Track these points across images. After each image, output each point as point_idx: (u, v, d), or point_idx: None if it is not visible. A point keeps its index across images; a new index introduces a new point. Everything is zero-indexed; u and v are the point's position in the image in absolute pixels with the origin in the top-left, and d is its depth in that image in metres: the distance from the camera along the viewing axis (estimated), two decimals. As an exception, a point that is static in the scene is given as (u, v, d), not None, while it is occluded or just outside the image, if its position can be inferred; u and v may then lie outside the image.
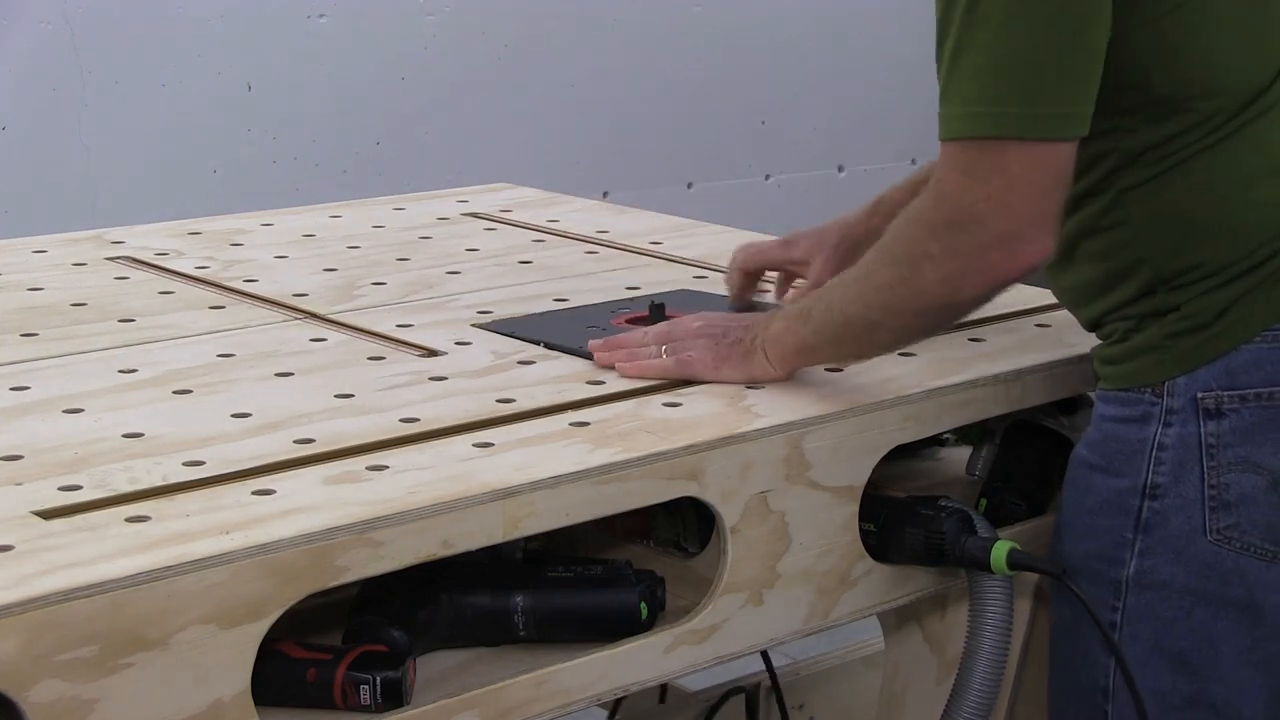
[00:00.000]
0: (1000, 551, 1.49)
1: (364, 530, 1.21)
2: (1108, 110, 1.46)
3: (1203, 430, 1.49)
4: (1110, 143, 1.49)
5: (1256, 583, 1.50)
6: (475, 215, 2.28)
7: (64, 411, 1.44)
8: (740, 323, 1.57)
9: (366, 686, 1.27)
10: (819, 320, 1.51)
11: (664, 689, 2.15)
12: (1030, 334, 1.73)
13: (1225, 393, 1.48)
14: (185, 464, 1.31)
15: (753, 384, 1.53)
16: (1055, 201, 1.42)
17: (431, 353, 1.63)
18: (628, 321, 1.73)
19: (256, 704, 1.18)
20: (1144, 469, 1.51)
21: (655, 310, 1.72)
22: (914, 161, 4.65)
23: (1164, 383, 1.50)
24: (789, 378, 1.54)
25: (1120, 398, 1.53)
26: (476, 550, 1.28)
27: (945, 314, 1.50)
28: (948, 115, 1.44)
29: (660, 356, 1.55)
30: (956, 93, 1.44)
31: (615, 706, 2.16)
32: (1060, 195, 1.43)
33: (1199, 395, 1.49)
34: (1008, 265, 1.42)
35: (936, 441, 1.79)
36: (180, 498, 1.25)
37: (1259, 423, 1.48)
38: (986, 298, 1.48)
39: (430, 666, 1.35)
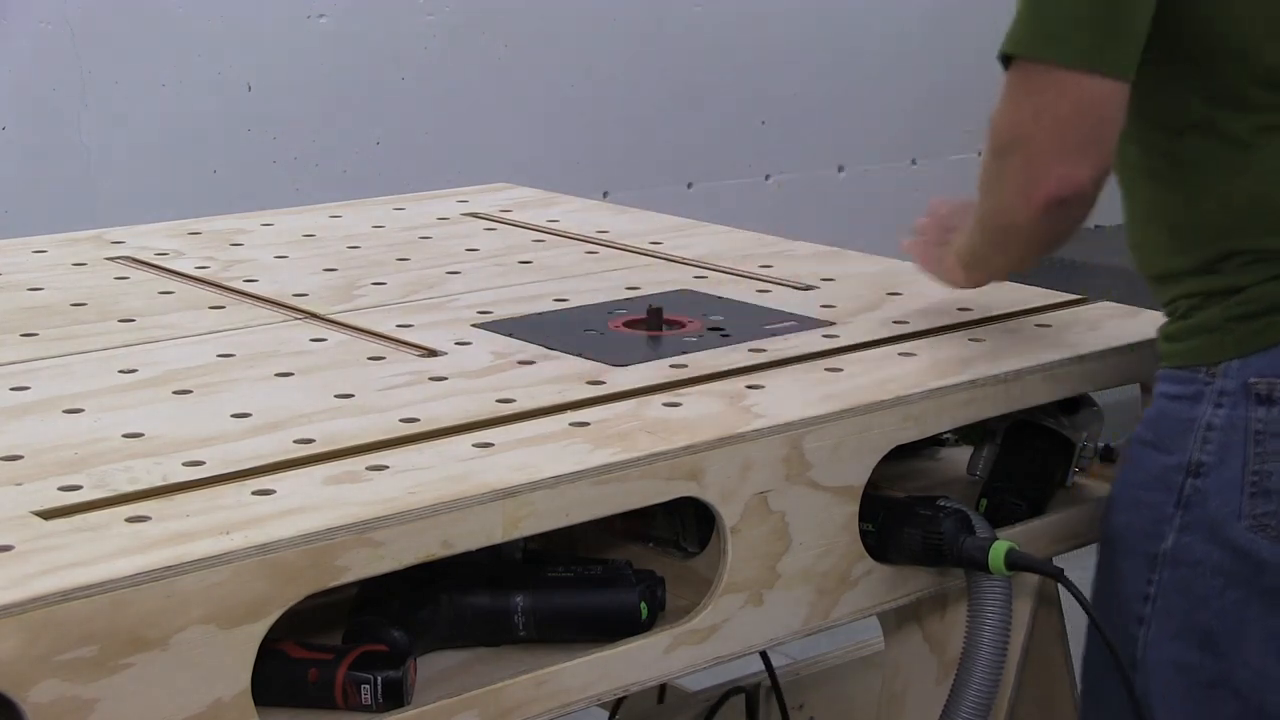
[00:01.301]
0: (999, 552, 1.49)
1: (364, 530, 1.21)
2: (1209, 75, 1.50)
3: (1252, 415, 1.51)
4: (1208, 109, 1.51)
5: None
6: (475, 215, 2.28)
7: (64, 411, 1.44)
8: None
9: (367, 686, 1.27)
10: (961, 244, 1.67)
11: (663, 689, 2.15)
12: (1030, 334, 1.73)
13: (1278, 380, 1.49)
14: (185, 464, 1.31)
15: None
16: (1093, 132, 1.45)
17: (431, 353, 1.63)
18: (625, 324, 1.73)
19: (256, 704, 1.18)
20: (1190, 447, 1.53)
21: (653, 313, 1.73)
22: (914, 161, 4.66)
23: (1219, 364, 1.52)
24: (970, 286, 1.72)
25: (1177, 376, 1.56)
26: (476, 550, 1.28)
27: (1020, 235, 1.55)
28: (1010, 30, 1.49)
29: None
30: (1017, 17, 1.49)
31: (616, 706, 2.16)
32: (1101, 130, 1.46)
33: (1251, 380, 1.50)
34: (1050, 185, 1.47)
35: (936, 441, 1.79)
36: (180, 498, 1.25)
37: None
38: (1055, 221, 1.52)
39: (430, 666, 1.35)
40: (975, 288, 1.73)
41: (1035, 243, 1.56)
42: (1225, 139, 1.52)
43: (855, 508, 1.50)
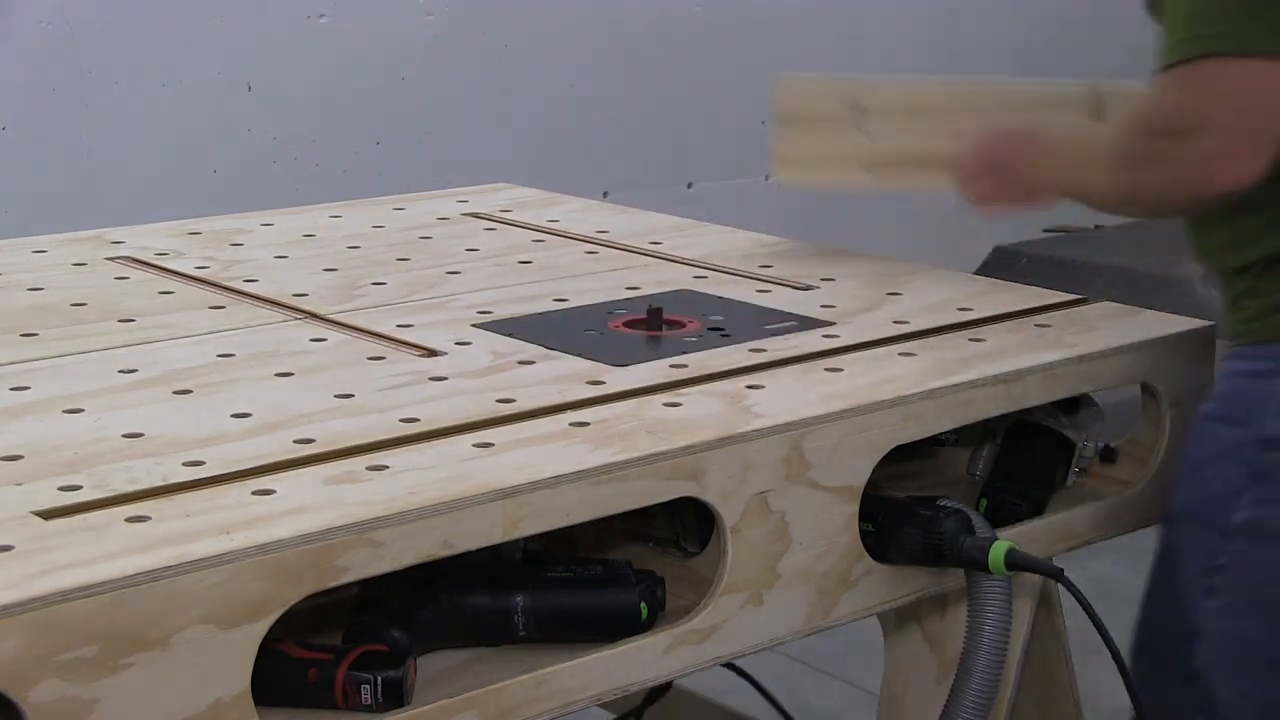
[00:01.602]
0: (998, 551, 1.49)
1: (364, 530, 1.21)
2: None
3: None
4: None
5: None
6: (475, 215, 2.28)
7: (64, 411, 1.44)
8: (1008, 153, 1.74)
9: (368, 686, 1.27)
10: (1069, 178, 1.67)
11: (664, 689, 2.15)
12: (1030, 334, 1.73)
13: None
14: (185, 464, 1.31)
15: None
16: (1266, 121, 1.46)
17: (431, 353, 1.63)
18: (625, 324, 1.73)
19: (256, 704, 1.18)
20: (1265, 420, 1.54)
21: (653, 313, 1.73)
22: None
23: None
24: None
25: (1250, 353, 1.57)
26: (476, 550, 1.28)
27: (1140, 212, 1.61)
28: (1165, 48, 1.50)
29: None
30: (1173, 28, 1.49)
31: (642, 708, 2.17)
32: (1272, 117, 1.46)
33: None
34: (1208, 182, 1.48)
35: (936, 441, 1.79)
36: (180, 498, 1.25)
37: None
38: (1181, 210, 1.56)
39: (430, 666, 1.35)
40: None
41: (1156, 217, 1.63)
42: None
43: (855, 508, 1.50)
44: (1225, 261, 1.62)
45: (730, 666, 2.05)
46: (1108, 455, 1.77)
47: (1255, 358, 1.56)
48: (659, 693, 2.18)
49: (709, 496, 1.40)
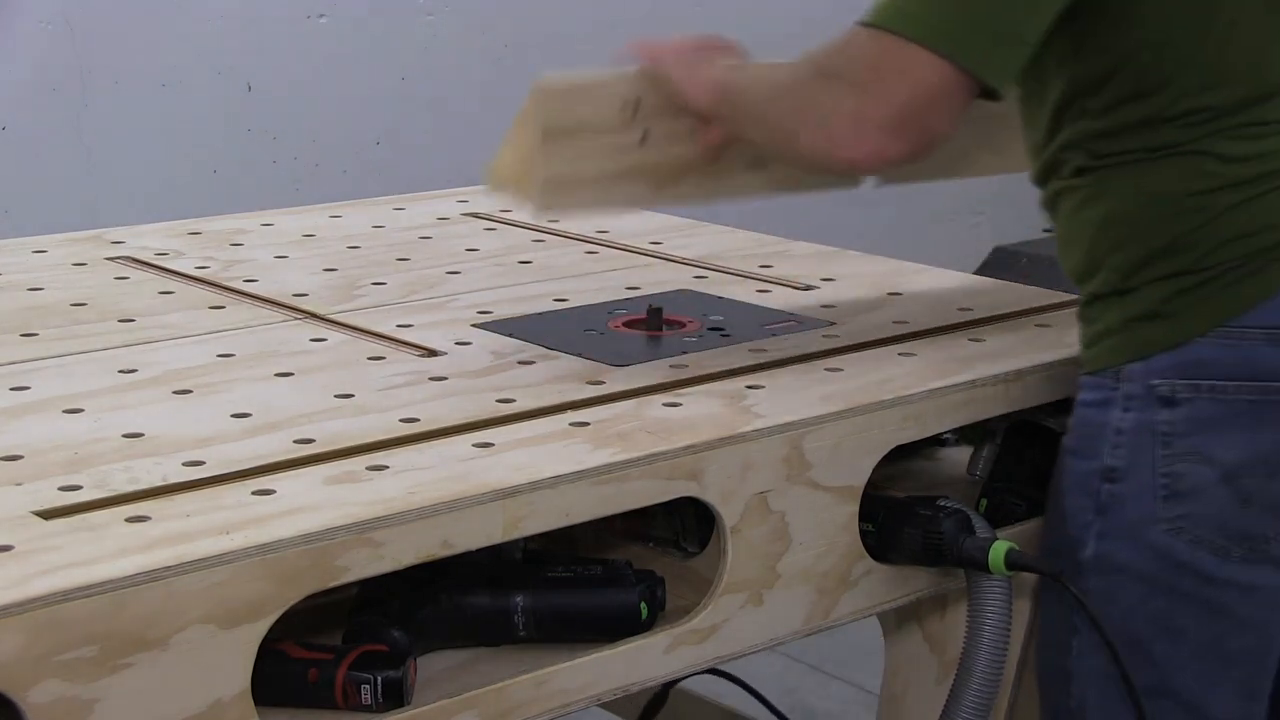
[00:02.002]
0: (998, 552, 1.49)
1: (364, 530, 1.21)
2: (1097, 91, 1.49)
3: (1157, 418, 1.50)
4: (1096, 123, 1.51)
5: (1212, 578, 1.51)
6: (475, 215, 2.28)
7: (64, 411, 1.44)
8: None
9: (368, 686, 1.27)
10: (745, 81, 1.59)
11: (666, 690, 2.15)
12: (1030, 334, 1.74)
13: (1179, 382, 1.49)
14: (185, 464, 1.31)
15: (682, 89, 1.59)
16: (923, 113, 1.42)
17: (431, 353, 1.63)
18: (625, 324, 1.73)
19: (256, 704, 1.18)
20: (1104, 452, 1.53)
21: (653, 313, 1.73)
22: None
23: (1122, 367, 1.51)
24: (705, 108, 1.58)
25: (1090, 382, 1.55)
26: (476, 550, 1.28)
27: (791, 147, 1.51)
28: (874, 7, 1.46)
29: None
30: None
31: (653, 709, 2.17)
32: (933, 122, 1.43)
33: (1154, 383, 1.50)
34: (846, 142, 1.44)
35: (936, 441, 1.79)
36: (180, 498, 1.25)
37: (1213, 415, 1.48)
38: (808, 167, 1.50)
39: (430, 666, 1.35)
40: (706, 112, 1.59)
41: (800, 166, 1.54)
42: (1113, 152, 1.52)
43: (855, 507, 1.50)
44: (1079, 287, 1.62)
45: (729, 676, 2.05)
46: (1108, 455, 1.77)
47: (1092, 387, 1.54)
48: (656, 706, 2.18)
49: (709, 496, 1.40)
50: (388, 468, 1.31)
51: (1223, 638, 1.52)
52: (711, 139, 1.60)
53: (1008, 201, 4.39)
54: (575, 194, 1.58)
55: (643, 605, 1.40)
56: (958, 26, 1.41)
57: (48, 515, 1.21)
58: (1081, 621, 1.54)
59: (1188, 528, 1.50)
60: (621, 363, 1.60)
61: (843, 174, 1.50)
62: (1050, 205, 1.60)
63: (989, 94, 1.45)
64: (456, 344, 1.66)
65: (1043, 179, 1.59)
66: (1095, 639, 1.53)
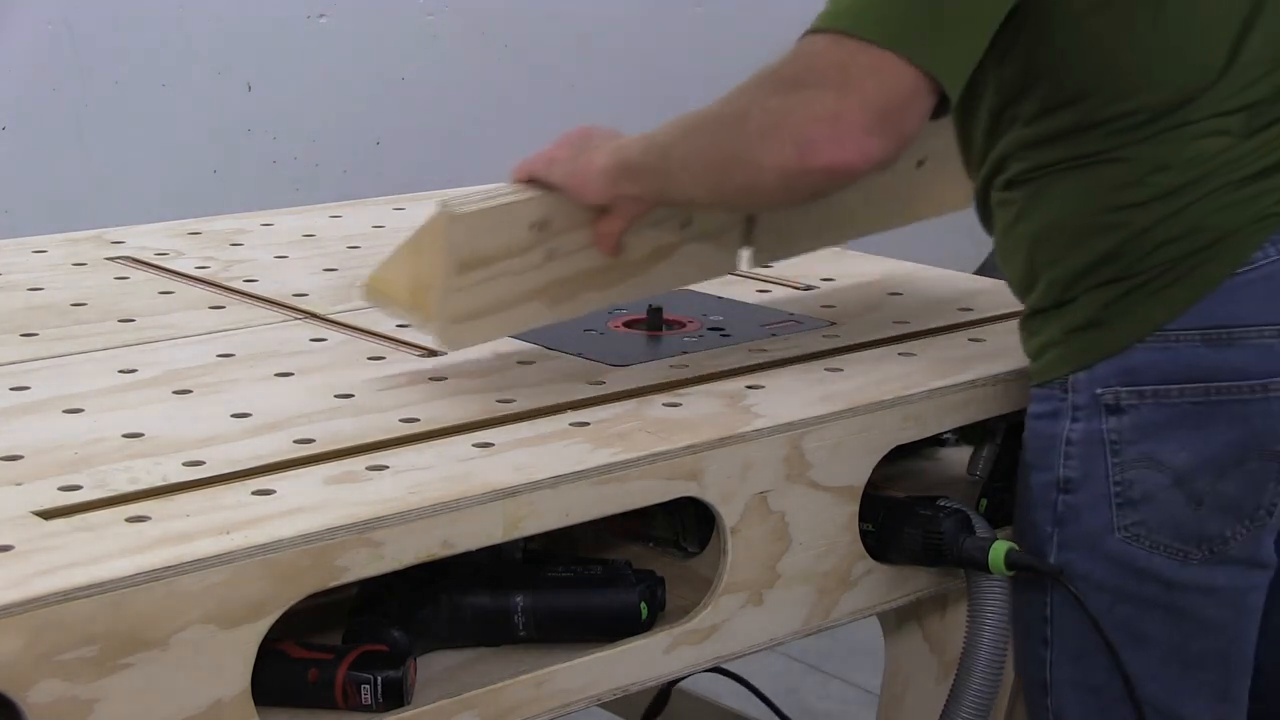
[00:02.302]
0: (998, 552, 1.49)
1: (364, 530, 1.21)
2: (1025, 100, 1.49)
3: (1105, 426, 1.50)
4: (1026, 132, 1.51)
5: (1173, 582, 1.50)
6: (475, 215, 2.27)
7: (64, 411, 1.44)
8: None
9: (368, 686, 1.27)
10: (655, 147, 1.49)
11: (665, 691, 2.15)
12: (1030, 334, 1.73)
13: (1124, 389, 1.49)
14: (185, 464, 1.31)
15: (574, 189, 1.50)
16: (891, 110, 1.39)
17: (431, 353, 1.63)
18: (625, 324, 1.73)
19: (256, 704, 1.18)
20: (1057, 463, 1.53)
21: (653, 313, 1.73)
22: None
23: (1068, 378, 1.51)
24: (601, 200, 1.51)
25: (1038, 394, 1.55)
26: (476, 550, 1.28)
27: (748, 174, 1.43)
28: (824, 12, 1.43)
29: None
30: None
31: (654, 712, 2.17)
32: (907, 123, 1.40)
33: (1099, 391, 1.50)
34: (810, 147, 1.38)
35: (936, 441, 1.79)
36: (180, 498, 1.25)
37: (1159, 420, 1.48)
38: (769, 185, 1.42)
39: (430, 666, 1.35)
40: (604, 201, 1.52)
41: (759, 188, 1.45)
42: (1042, 162, 1.52)
43: (855, 507, 1.50)
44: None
45: (731, 674, 2.05)
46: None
47: (1041, 399, 1.53)
48: (658, 707, 2.18)
49: (709, 496, 1.40)
50: (388, 468, 1.31)
51: (1188, 641, 1.52)
52: (610, 228, 1.54)
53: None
54: (477, 325, 1.53)
55: (643, 605, 1.40)
56: (918, 31, 1.39)
57: (48, 515, 1.21)
58: (1052, 632, 1.55)
59: (1144, 534, 1.50)
60: (621, 363, 1.60)
61: (817, 188, 1.44)
62: (986, 219, 1.61)
63: (942, 103, 1.43)
64: (456, 344, 1.66)
65: (981, 195, 1.59)
66: (1067, 649, 1.55)
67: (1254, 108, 1.48)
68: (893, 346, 1.68)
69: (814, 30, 1.43)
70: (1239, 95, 1.47)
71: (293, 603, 1.18)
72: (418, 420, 1.42)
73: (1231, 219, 1.46)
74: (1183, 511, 1.49)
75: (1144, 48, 1.46)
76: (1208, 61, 1.46)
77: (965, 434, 1.76)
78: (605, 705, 1.47)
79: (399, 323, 1.71)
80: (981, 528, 1.53)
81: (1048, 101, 1.49)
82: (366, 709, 1.27)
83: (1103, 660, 1.52)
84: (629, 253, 1.59)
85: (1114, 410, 1.49)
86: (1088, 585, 1.52)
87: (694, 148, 1.47)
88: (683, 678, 1.52)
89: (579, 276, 1.57)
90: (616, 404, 1.48)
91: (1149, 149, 1.47)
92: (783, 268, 1.99)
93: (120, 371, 1.56)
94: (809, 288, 1.91)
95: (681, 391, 1.52)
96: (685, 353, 1.64)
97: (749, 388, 1.53)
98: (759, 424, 1.43)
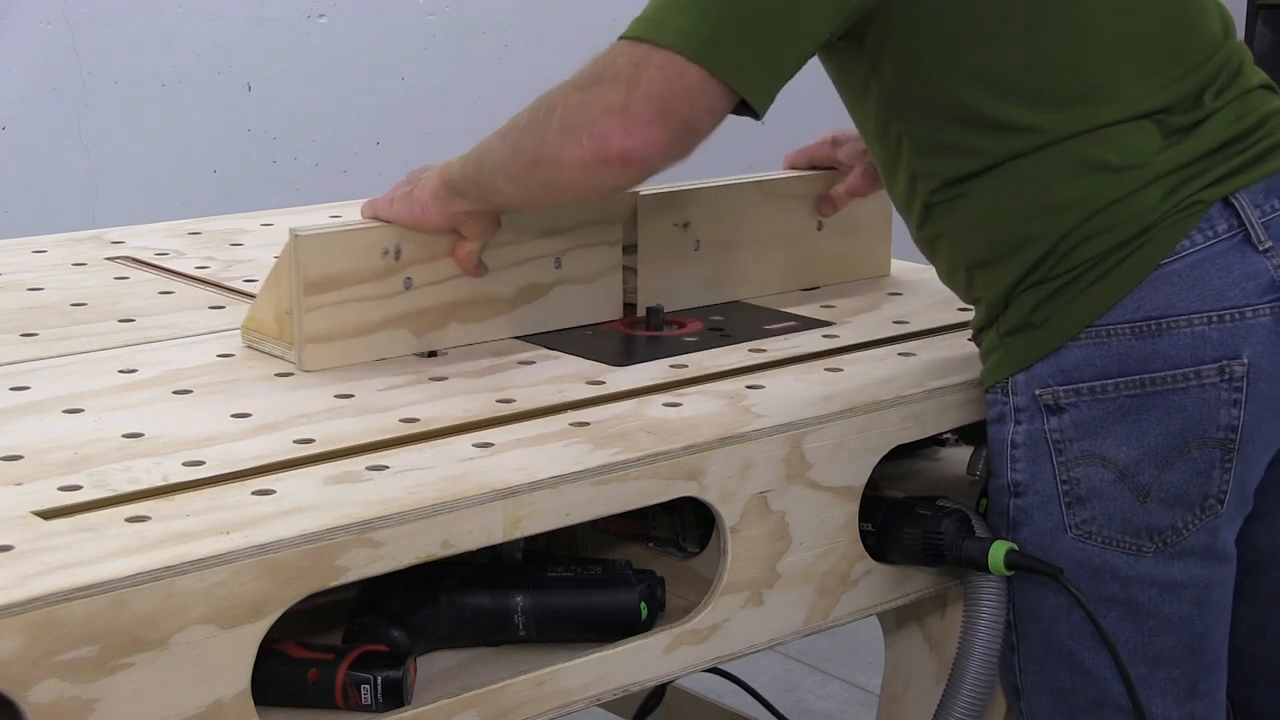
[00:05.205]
0: (998, 552, 1.49)
1: (364, 530, 1.21)
2: (922, 118, 1.51)
3: (1047, 426, 1.50)
4: (930, 153, 1.53)
5: (1129, 578, 1.50)
6: (475, 215, 2.27)
7: (64, 411, 1.44)
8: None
9: (368, 686, 1.27)
10: (471, 158, 1.57)
11: (662, 690, 2.15)
12: (1030, 334, 1.73)
13: (1061, 388, 1.49)
14: (185, 464, 1.31)
15: (415, 219, 1.59)
16: (684, 114, 1.43)
17: (431, 353, 1.63)
18: (625, 324, 1.73)
19: (256, 704, 1.18)
20: (1006, 468, 1.53)
21: (653, 313, 1.73)
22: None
23: (1008, 380, 1.52)
24: (441, 222, 1.59)
25: (988, 399, 1.56)
26: (476, 550, 1.28)
27: (551, 170, 1.48)
28: (640, 19, 1.48)
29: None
30: (651, 6, 1.48)
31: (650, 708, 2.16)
32: (691, 117, 1.44)
33: (1038, 392, 1.50)
34: (604, 138, 1.43)
35: (936, 441, 1.79)
36: (180, 498, 1.25)
37: (1098, 416, 1.49)
38: (571, 175, 1.47)
39: (430, 666, 1.36)
40: (444, 223, 1.60)
41: (561, 184, 1.49)
42: (953, 174, 1.53)
43: (855, 507, 1.50)
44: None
45: (729, 675, 2.05)
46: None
47: (990, 404, 1.54)
48: (653, 704, 2.18)
49: (709, 496, 1.40)
50: (388, 468, 1.31)
51: (1150, 640, 1.51)
52: (463, 249, 1.62)
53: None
54: (337, 346, 1.57)
55: (643, 605, 1.40)
56: (708, 35, 1.42)
57: (48, 515, 1.21)
58: (1017, 637, 1.56)
59: (1095, 531, 1.50)
60: (621, 363, 1.60)
61: (615, 178, 1.45)
62: (921, 245, 1.62)
63: (750, 110, 1.46)
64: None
65: (918, 227, 1.60)
66: (1031, 654, 1.55)
67: (1169, 110, 1.49)
68: (892, 346, 1.68)
69: (621, 37, 1.48)
70: (1153, 97, 1.49)
71: (293, 603, 1.18)
72: (417, 420, 1.42)
73: (1154, 211, 1.47)
74: (1131, 506, 1.49)
75: (1033, 55, 1.47)
76: (1092, 68, 1.48)
77: (965, 434, 1.76)
78: (605, 705, 1.47)
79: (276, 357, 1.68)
80: (981, 528, 1.53)
81: (934, 115, 1.51)
82: (366, 709, 1.28)
83: (1065, 663, 1.53)
84: (496, 289, 1.66)
85: (1054, 410, 1.50)
86: (1047, 589, 1.52)
87: (506, 151, 1.53)
88: (679, 677, 1.52)
89: (441, 309, 1.63)
90: (616, 404, 1.49)
91: (1051, 154, 1.48)
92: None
93: (120, 371, 1.56)
94: (809, 288, 1.90)
95: (681, 391, 1.52)
96: (685, 353, 1.64)
97: (749, 388, 1.53)
98: (759, 424, 1.43)
